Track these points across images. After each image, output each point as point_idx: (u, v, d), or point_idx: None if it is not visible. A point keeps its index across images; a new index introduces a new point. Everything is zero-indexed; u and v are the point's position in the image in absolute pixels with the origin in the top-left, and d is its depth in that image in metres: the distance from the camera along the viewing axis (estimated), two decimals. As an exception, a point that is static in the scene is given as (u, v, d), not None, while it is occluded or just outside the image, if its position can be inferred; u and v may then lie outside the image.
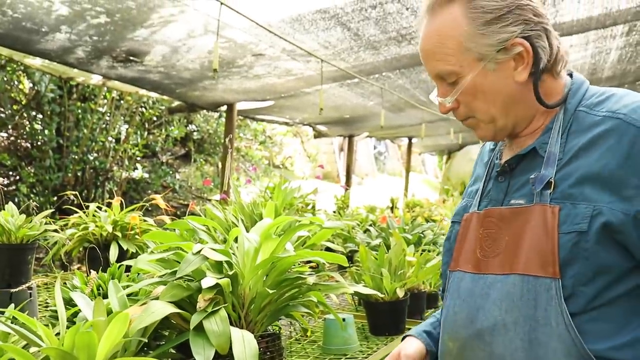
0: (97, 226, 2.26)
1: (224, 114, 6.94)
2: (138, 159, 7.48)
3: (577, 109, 1.28)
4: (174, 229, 1.71)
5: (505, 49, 1.24)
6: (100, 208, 2.38)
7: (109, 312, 1.23)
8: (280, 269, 1.42)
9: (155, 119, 7.63)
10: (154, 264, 1.48)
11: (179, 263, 1.43)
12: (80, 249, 2.39)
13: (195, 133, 9.33)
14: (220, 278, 1.29)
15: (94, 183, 6.83)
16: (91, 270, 1.66)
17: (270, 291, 1.36)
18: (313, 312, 1.52)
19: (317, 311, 1.57)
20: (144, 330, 1.18)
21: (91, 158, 6.68)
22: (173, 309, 1.21)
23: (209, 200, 9.41)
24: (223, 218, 2.20)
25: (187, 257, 1.30)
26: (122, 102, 7.03)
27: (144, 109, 7.22)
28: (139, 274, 1.67)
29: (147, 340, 1.18)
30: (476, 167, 1.57)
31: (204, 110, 8.42)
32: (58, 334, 1.16)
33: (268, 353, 1.31)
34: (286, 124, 8.13)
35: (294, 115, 7.64)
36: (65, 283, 1.90)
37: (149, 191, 8.35)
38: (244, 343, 1.20)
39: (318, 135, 9.27)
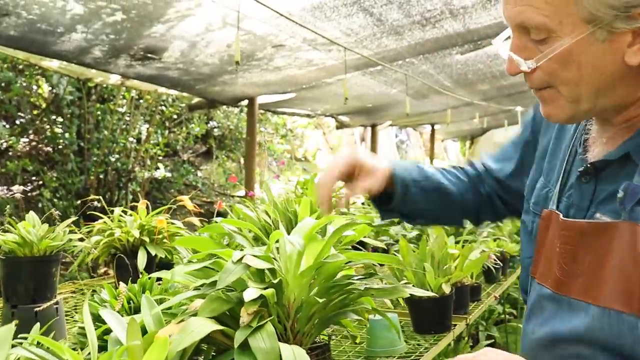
0: (123, 232, 2.14)
1: (245, 109, 6.84)
2: (160, 158, 7.39)
3: None
4: (206, 233, 1.58)
5: (628, 17, 0.94)
6: (125, 212, 2.27)
7: (143, 331, 1.10)
8: (327, 274, 1.29)
9: (175, 117, 7.52)
10: (185, 274, 1.35)
11: (215, 271, 1.31)
12: (107, 256, 2.28)
13: (216, 129, 9.22)
14: (265, 288, 1.16)
15: (117, 185, 6.76)
16: (120, 282, 1.54)
17: (320, 300, 1.23)
18: (363, 317, 1.39)
19: (367, 316, 1.43)
20: (182, 352, 1.05)
21: (113, 159, 6.61)
22: (214, 326, 1.08)
23: (232, 196, 9.32)
24: (255, 217, 2.07)
25: (227, 266, 1.17)
26: (141, 101, 6.94)
27: (163, 107, 7.12)
28: (171, 284, 1.55)
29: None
30: (546, 135, 1.32)
31: (224, 106, 8.32)
32: (89, 359, 1.04)
33: (318, 367, 1.17)
34: (308, 115, 8.01)
35: (315, 107, 7.50)
36: (93, 293, 1.79)
37: (172, 190, 8.28)
38: (295, 359, 1.07)
39: (340, 126, 9.13)
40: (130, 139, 6.82)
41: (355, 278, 1.31)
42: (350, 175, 1.35)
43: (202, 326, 1.07)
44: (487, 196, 1.52)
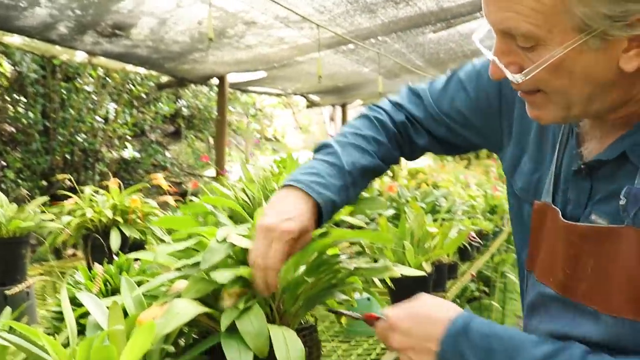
0: (95, 212, 2.07)
1: (214, 88, 6.72)
2: (128, 138, 7.23)
3: None
4: (187, 213, 1.53)
5: (626, 25, 0.86)
6: (97, 192, 2.19)
7: (124, 314, 1.05)
8: (314, 253, 1.24)
9: (144, 96, 7.36)
10: (169, 256, 1.30)
11: (196, 252, 1.26)
12: (78, 237, 2.20)
13: (184, 109, 9.06)
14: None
15: (84, 165, 6.60)
16: (94, 263, 1.47)
17: (307, 279, 1.18)
18: (351, 297, 1.35)
19: (353, 296, 1.40)
20: (166, 337, 1.00)
21: (80, 139, 6.44)
22: (200, 308, 1.03)
23: (201, 177, 9.21)
24: (233, 196, 2.01)
25: (212, 245, 1.12)
26: (108, 79, 6.76)
27: (132, 86, 6.95)
28: (149, 265, 1.49)
29: (172, 348, 1.00)
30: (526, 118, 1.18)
31: (194, 85, 8.18)
32: (66, 344, 0.98)
33: (306, 348, 1.13)
34: (279, 95, 7.92)
35: (286, 86, 7.42)
36: (63, 275, 1.72)
37: (140, 171, 8.13)
38: (286, 342, 1.03)
39: (311, 105, 9.05)
40: (98, 118, 6.65)
41: (343, 257, 1.27)
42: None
43: (188, 308, 1.02)
44: (419, 145, 1.42)
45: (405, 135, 1.41)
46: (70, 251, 4.56)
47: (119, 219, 2.08)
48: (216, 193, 2.05)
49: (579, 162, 1.05)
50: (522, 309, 1.27)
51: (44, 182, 6.14)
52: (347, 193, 1.25)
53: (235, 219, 1.45)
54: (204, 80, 6.12)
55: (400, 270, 1.29)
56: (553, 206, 1.09)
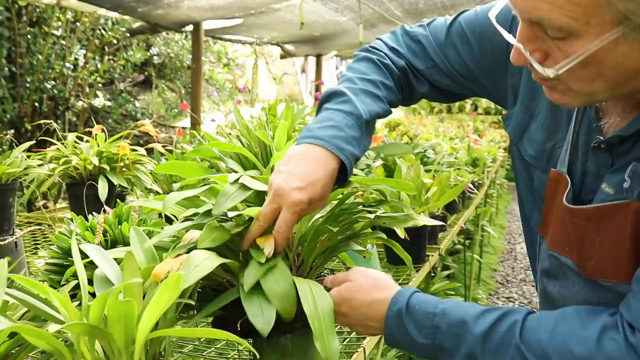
0: (80, 159, 1.95)
1: (187, 36, 6.51)
2: (99, 86, 7.00)
3: None
4: (194, 158, 1.43)
5: None
6: (81, 139, 2.06)
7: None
8: (336, 200, 1.16)
9: (116, 42, 7.09)
10: (176, 204, 1.20)
11: (202, 201, 1.17)
12: (59, 185, 2.09)
13: (155, 57, 8.80)
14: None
15: (54, 113, 6.37)
16: (92, 213, 1.37)
17: (329, 228, 1.11)
18: (364, 248, 1.28)
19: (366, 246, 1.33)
20: (185, 291, 0.91)
21: (48, 86, 6.19)
22: (219, 259, 0.95)
23: (173, 127, 9.02)
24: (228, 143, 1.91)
25: (225, 189, 1.03)
26: (78, 24, 6.48)
27: (102, 32, 6.69)
28: (149, 214, 1.39)
29: (193, 302, 0.92)
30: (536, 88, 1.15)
31: (165, 33, 7.94)
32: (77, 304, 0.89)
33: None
34: (254, 43, 7.73)
35: (262, 34, 7.24)
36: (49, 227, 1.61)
37: (109, 120, 7.93)
38: (314, 297, 0.95)
39: (285, 55, 8.88)
40: (67, 65, 6.40)
41: (364, 206, 1.19)
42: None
43: (208, 260, 0.93)
44: (418, 91, 1.36)
45: (406, 81, 1.33)
46: (41, 202, 4.40)
47: (106, 166, 1.97)
48: (208, 141, 1.94)
49: (598, 137, 1.02)
50: (534, 271, 1.26)
51: (11, 131, 5.92)
52: (364, 143, 1.17)
53: (246, 167, 1.36)
54: (178, 26, 5.92)
55: (424, 220, 1.22)
56: (566, 176, 1.06)
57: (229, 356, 1.47)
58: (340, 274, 1.12)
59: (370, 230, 1.21)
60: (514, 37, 0.95)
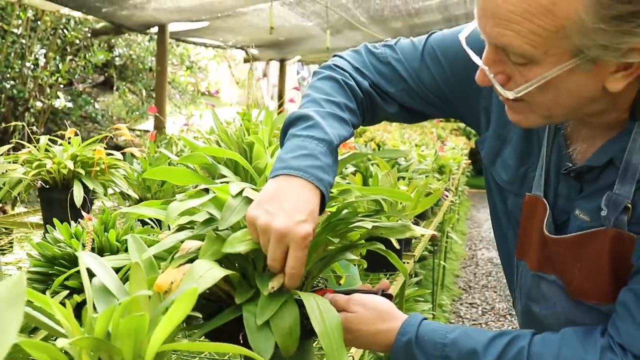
0: (54, 163, 1.89)
1: (150, 38, 6.41)
2: (61, 86, 6.84)
3: None
4: (186, 164, 1.40)
5: (619, 53, 0.88)
6: (55, 142, 2.01)
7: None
8: (333, 210, 1.15)
9: (78, 42, 6.94)
10: (160, 209, 1.17)
11: (198, 209, 1.14)
12: (31, 191, 2.03)
13: (117, 59, 8.64)
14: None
15: (13, 114, 6.20)
16: (77, 220, 1.33)
17: (326, 238, 1.09)
18: (358, 258, 1.27)
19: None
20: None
21: (7, 86, 6.03)
22: (224, 271, 0.92)
23: (133, 130, 8.88)
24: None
25: (229, 202, 1.00)
26: (39, 23, 6.33)
27: (65, 31, 6.53)
28: (135, 222, 1.36)
29: (200, 315, 0.89)
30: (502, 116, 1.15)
31: (127, 34, 7.81)
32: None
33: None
34: (219, 47, 7.67)
35: (227, 38, 7.18)
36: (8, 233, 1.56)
37: (68, 122, 7.76)
38: (321, 312, 0.93)
39: (249, 59, 8.83)
40: (28, 64, 6.24)
41: (361, 215, 1.18)
42: None
43: (211, 271, 0.91)
44: (380, 111, 1.33)
45: (369, 103, 1.30)
46: (15, 209, 4.26)
47: (81, 170, 1.92)
48: (186, 145, 1.91)
49: (568, 164, 1.09)
50: (511, 288, 1.30)
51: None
52: (334, 170, 1.12)
53: (237, 172, 1.33)
54: (143, 28, 5.83)
55: (421, 230, 1.21)
56: (544, 200, 1.11)
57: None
58: (339, 296, 1.10)
59: (364, 241, 1.20)
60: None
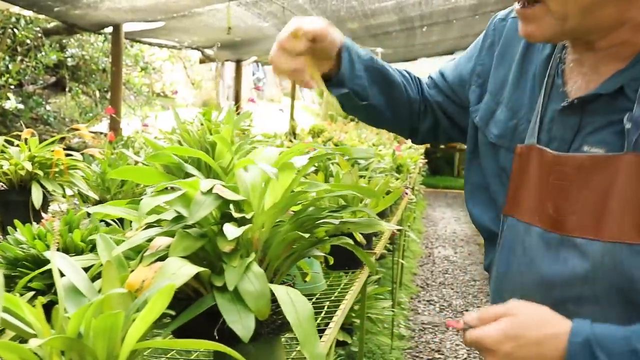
0: (11, 164, 1.85)
1: (104, 38, 6.32)
2: (12, 87, 6.67)
3: None
4: (153, 164, 1.38)
5: None
6: (11, 143, 1.96)
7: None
8: (300, 206, 1.16)
9: (28, 42, 6.78)
10: (126, 208, 1.16)
11: (164, 208, 1.13)
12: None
13: (69, 59, 8.47)
14: (238, 224, 1.02)
15: (-39, 116, 6.03)
16: (48, 219, 1.30)
17: (304, 234, 1.10)
18: (325, 253, 1.28)
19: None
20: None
21: (-46, 88, 5.87)
22: (196, 268, 0.92)
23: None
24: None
25: (197, 198, 1.00)
26: (-13, 22, 6.18)
27: (15, 31, 6.38)
28: (101, 221, 1.34)
29: (173, 312, 0.89)
30: (503, 64, 1.26)
31: (80, 35, 7.67)
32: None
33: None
34: (174, 47, 7.59)
35: (183, 38, 7.11)
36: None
37: (18, 124, 7.57)
38: (293, 302, 0.94)
39: (204, 60, 8.76)
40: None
41: (327, 211, 1.19)
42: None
43: (183, 268, 0.91)
44: (430, 102, 1.44)
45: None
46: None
47: (39, 172, 1.88)
48: (148, 145, 1.89)
49: (567, 99, 1.08)
50: (494, 256, 1.26)
51: None
52: (363, 59, 1.33)
53: (200, 170, 1.33)
54: (97, 27, 5.74)
55: (389, 226, 1.23)
56: (539, 146, 1.10)
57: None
58: (489, 308, 1.01)
59: (328, 237, 1.21)
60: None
